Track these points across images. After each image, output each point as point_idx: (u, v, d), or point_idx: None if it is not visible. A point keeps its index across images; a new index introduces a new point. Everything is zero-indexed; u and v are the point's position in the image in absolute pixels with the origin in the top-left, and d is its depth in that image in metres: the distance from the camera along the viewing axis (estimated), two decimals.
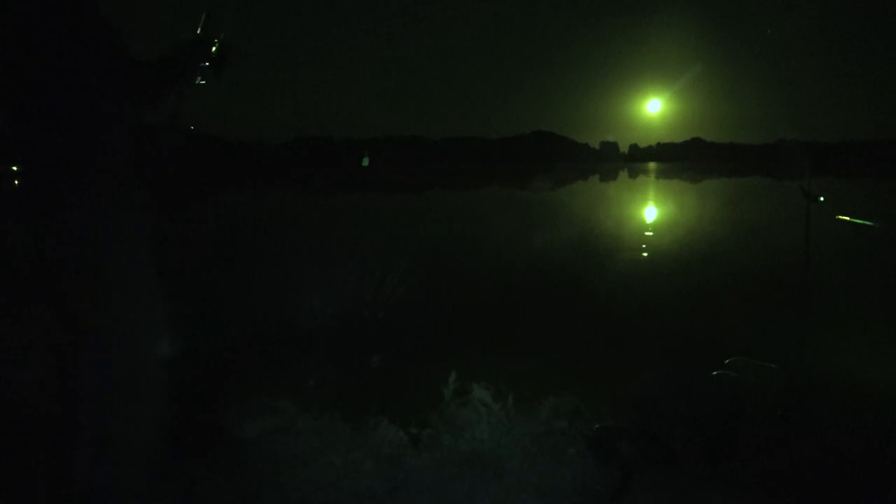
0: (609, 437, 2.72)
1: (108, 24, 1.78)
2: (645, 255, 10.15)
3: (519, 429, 2.77)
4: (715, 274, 8.35)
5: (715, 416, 2.74)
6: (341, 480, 2.45)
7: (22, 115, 1.71)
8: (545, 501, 2.36)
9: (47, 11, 1.68)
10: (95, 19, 1.76)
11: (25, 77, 1.69)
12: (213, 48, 2.00)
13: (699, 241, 12.11)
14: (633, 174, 77.84)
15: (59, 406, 1.78)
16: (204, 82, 2.01)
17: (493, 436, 2.72)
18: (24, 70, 1.68)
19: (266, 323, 4.75)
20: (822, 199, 2.87)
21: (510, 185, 45.09)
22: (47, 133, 1.71)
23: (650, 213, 20.65)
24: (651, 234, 13.62)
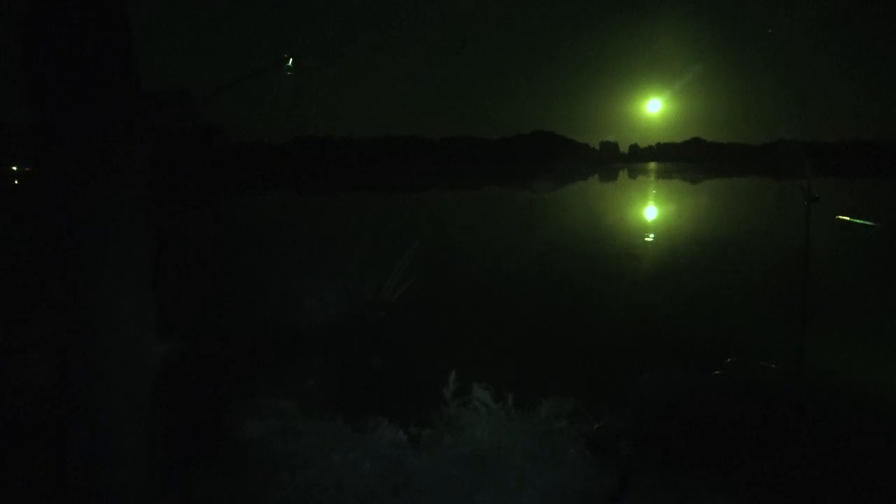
0: (609, 437, 2.72)
1: (129, 34, 1.79)
2: (644, 255, 10.15)
3: (519, 429, 2.76)
4: (715, 274, 8.36)
5: (715, 416, 2.74)
6: (341, 480, 2.45)
7: (30, 114, 1.71)
8: (545, 501, 2.35)
9: (80, 14, 1.69)
10: (122, 30, 1.77)
11: (37, 75, 1.70)
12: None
13: (699, 241, 12.10)
14: (634, 174, 77.82)
15: (59, 406, 1.78)
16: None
17: (493, 436, 2.72)
18: (38, 69, 1.69)
19: (266, 323, 4.75)
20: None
21: (510, 186, 45.08)
22: (50, 133, 1.72)
23: (650, 213, 20.63)
24: (651, 235, 13.61)
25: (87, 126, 1.72)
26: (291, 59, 2.26)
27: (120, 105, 1.77)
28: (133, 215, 1.81)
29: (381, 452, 2.64)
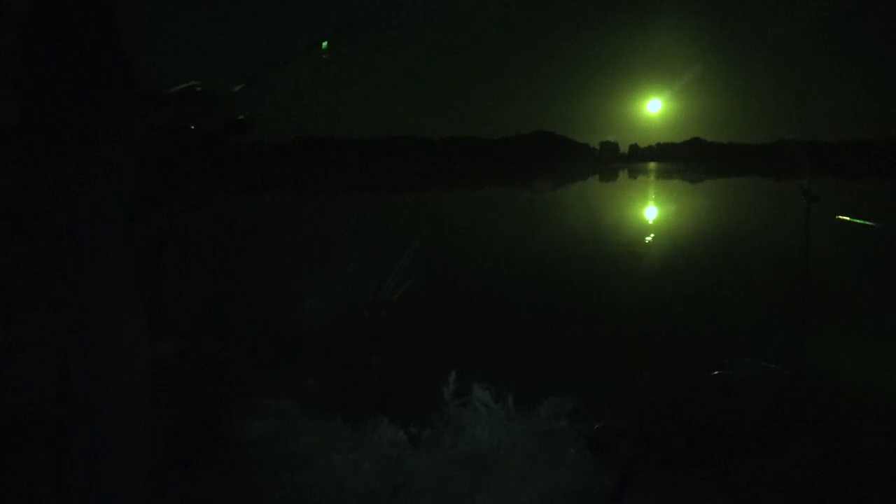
0: (609, 437, 2.72)
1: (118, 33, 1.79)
2: (644, 255, 10.15)
3: (519, 429, 2.76)
4: (715, 274, 8.36)
5: (715, 416, 2.74)
6: (341, 480, 2.45)
7: (24, 114, 1.71)
8: (545, 501, 2.35)
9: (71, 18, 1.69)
10: (112, 29, 1.77)
11: (34, 77, 1.70)
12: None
13: (699, 241, 12.11)
14: (634, 174, 77.89)
15: (59, 406, 1.78)
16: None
17: (493, 436, 2.72)
18: (35, 70, 1.69)
19: (266, 323, 4.75)
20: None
21: (510, 186, 45.09)
22: (46, 133, 1.72)
23: (650, 213, 20.64)
24: (651, 235, 13.62)
25: (80, 126, 1.73)
26: (326, 42, 2.15)
27: (108, 105, 1.77)
28: (129, 214, 1.82)
29: (381, 452, 2.64)
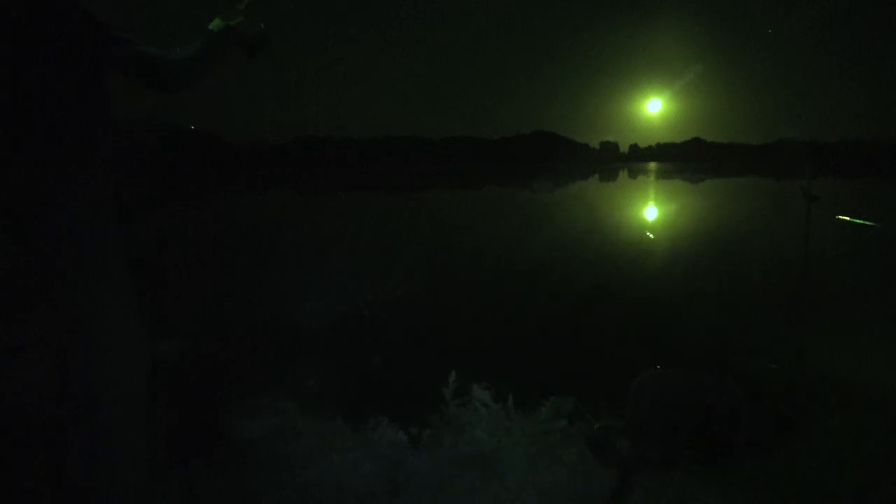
0: (609, 437, 2.72)
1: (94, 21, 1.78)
2: (645, 256, 10.16)
3: (519, 429, 2.76)
4: (715, 274, 8.36)
5: (715, 416, 2.74)
6: (341, 480, 2.45)
7: (24, 114, 1.71)
8: (545, 501, 2.36)
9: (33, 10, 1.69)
10: (83, 20, 1.77)
11: (33, 78, 1.70)
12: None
13: (700, 242, 12.11)
14: (634, 174, 77.94)
15: (59, 406, 1.78)
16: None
17: (493, 436, 2.72)
18: (34, 71, 1.69)
19: (267, 323, 4.75)
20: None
21: (510, 186, 45.11)
22: (46, 133, 1.72)
23: (650, 213, 20.65)
24: (651, 235, 13.62)
25: (80, 126, 1.73)
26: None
27: (107, 105, 1.78)
28: (124, 215, 1.82)
29: (381, 452, 2.64)
